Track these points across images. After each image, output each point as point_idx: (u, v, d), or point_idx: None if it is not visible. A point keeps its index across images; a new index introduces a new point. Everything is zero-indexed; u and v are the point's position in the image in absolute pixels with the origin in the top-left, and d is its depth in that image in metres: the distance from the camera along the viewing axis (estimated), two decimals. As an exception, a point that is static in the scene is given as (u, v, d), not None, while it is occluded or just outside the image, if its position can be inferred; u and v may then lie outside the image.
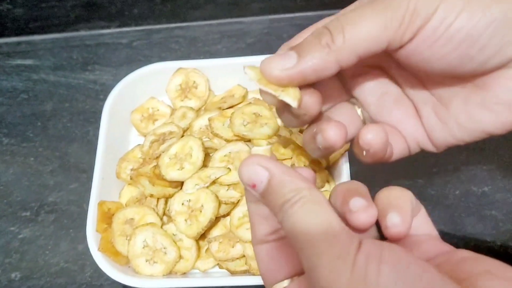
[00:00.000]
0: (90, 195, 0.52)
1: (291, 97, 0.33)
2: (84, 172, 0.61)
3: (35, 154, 0.63)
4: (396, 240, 0.30)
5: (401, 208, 0.30)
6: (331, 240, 0.25)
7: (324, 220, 0.26)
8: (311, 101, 0.35)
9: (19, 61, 0.71)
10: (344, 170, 0.51)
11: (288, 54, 0.33)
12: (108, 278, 0.53)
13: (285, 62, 0.32)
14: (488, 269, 0.26)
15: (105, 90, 0.66)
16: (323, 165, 0.52)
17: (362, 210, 0.29)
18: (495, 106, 0.35)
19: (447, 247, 0.30)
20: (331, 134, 0.35)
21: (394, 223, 0.29)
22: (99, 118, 0.58)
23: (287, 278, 0.31)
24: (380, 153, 0.37)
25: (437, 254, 0.29)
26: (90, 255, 0.50)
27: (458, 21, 0.31)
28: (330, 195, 0.32)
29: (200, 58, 0.66)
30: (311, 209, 0.27)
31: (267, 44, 0.69)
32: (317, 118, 0.37)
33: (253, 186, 0.29)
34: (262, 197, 0.29)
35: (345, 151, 0.52)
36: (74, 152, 0.63)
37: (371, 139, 0.35)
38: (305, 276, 0.29)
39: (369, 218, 0.29)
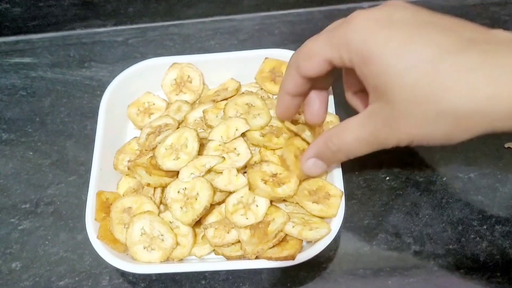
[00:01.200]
0: (88, 186, 0.53)
1: None
2: (82, 165, 0.61)
3: (34, 148, 0.64)
4: None
5: None
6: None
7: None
8: None
9: (17, 59, 0.72)
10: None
11: (318, 166, 0.49)
12: (106, 266, 0.55)
13: (321, 170, 0.49)
14: None
15: (102, 86, 0.66)
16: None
17: None
18: None
19: None
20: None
21: None
22: (96, 113, 0.58)
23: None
24: None
25: None
26: (89, 245, 0.51)
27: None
28: None
29: (194, 54, 0.67)
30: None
31: (259, 41, 0.70)
32: None
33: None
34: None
35: None
36: (72, 146, 0.63)
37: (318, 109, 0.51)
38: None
39: None
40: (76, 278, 0.54)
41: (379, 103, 0.39)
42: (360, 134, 0.42)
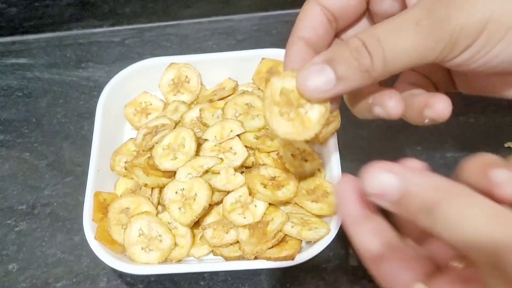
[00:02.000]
0: (85, 187, 0.53)
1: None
2: (78, 166, 0.61)
3: (30, 149, 0.63)
4: None
5: None
6: (507, 228, 0.23)
7: (489, 210, 0.24)
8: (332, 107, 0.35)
9: (13, 60, 0.71)
10: (333, 148, 0.52)
11: (325, 73, 0.32)
12: (104, 268, 0.54)
13: (323, 83, 0.32)
14: None
15: (99, 87, 0.66)
16: (316, 155, 0.54)
17: (509, 181, 0.26)
18: None
19: None
20: (391, 105, 0.34)
21: None
22: (93, 113, 0.58)
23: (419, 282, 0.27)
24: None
25: None
26: (86, 246, 0.50)
27: (494, 51, 0.31)
28: (459, 172, 0.28)
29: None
30: (467, 205, 0.24)
31: (256, 41, 0.69)
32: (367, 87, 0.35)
33: (381, 196, 0.27)
34: (396, 204, 0.26)
35: (335, 131, 0.53)
36: (68, 146, 0.63)
37: (443, 108, 0.33)
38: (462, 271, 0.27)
39: None
40: (74, 280, 0.54)
41: None
42: (404, 16, 0.31)
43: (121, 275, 0.53)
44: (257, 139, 0.53)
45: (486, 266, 0.24)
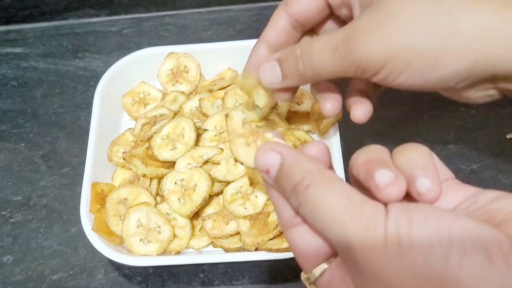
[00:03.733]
0: (82, 178, 0.52)
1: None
2: (75, 157, 0.60)
3: (25, 139, 0.62)
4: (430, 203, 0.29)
5: (428, 169, 0.28)
6: (356, 213, 0.25)
7: (342, 196, 0.26)
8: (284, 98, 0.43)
9: (8, 49, 0.70)
10: (335, 140, 0.52)
11: (275, 70, 0.40)
12: (102, 260, 0.53)
13: (274, 79, 0.40)
14: None
15: (96, 77, 0.65)
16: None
17: (391, 185, 0.27)
18: None
19: (471, 190, 0.28)
20: (327, 107, 0.42)
21: (426, 188, 0.27)
22: (90, 104, 0.57)
23: (325, 261, 0.29)
24: None
25: (462, 199, 0.28)
26: (83, 238, 0.50)
27: (398, 79, 0.35)
28: (350, 166, 0.30)
29: (191, 43, 0.66)
30: (326, 188, 0.27)
31: (256, 31, 0.68)
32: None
33: (267, 172, 0.30)
34: (276, 182, 0.29)
35: (337, 121, 0.52)
36: (65, 137, 0.62)
37: (358, 115, 0.43)
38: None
39: (399, 192, 0.27)
40: (70, 272, 0.53)
41: (365, 11, 0.36)
42: (331, 38, 0.36)
43: (119, 267, 0.52)
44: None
45: (338, 247, 0.26)
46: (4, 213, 0.57)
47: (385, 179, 0.27)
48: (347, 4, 0.40)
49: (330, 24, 0.44)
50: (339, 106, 0.43)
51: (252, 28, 0.69)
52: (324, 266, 0.29)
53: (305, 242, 0.29)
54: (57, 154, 0.61)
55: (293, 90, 0.43)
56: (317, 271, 0.29)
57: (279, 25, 0.42)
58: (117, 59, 0.60)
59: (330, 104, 0.42)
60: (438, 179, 0.28)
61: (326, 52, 0.36)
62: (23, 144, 0.62)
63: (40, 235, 0.56)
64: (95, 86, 0.58)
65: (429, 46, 0.33)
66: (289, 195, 0.28)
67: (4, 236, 0.56)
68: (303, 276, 0.30)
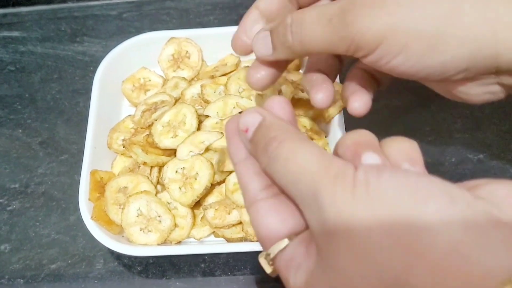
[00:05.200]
0: (80, 166, 0.51)
1: None
2: (74, 144, 0.59)
3: (23, 126, 0.61)
4: None
5: (415, 161, 0.28)
6: (327, 165, 0.26)
7: (314, 150, 0.27)
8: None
9: (5, 33, 0.68)
10: (340, 128, 0.51)
11: (266, 41, 0.37)
12: (101, 249, 0.52)
13: (265, 50, 0.38)
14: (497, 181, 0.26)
15: (95, 62, 0.64)
16: (322, 133, 0.52)
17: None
18: None
19: None
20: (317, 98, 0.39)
21: None
22: (89, 89, 0.56)
23: (286, 237, 0.28)
24: None
25: None
26: (82, 226, 0.49)
27: (394, 61, 0.33)
28: (336, 145, 0.30)
29: (193, 28, 0.64)
30: (299, 143, 0.27)
31: (259, 16, 0.67)
32: None
33: (246, 131, 0.30)
34: (251, 141, 0.30)
35: (341, 109, 0.51)
36: (63, 123, 0.61)
37: (357, 107, 0.40)
38: (307, 232, 0.28)
39: None
40: (69, 261, 0.52)
41: None
42: (325, 9, 0.34)
43: (118, 256, 0.52)
44: None
45: (304, 202, 0.26)
46: (1, 200, 0.56)
47: (371, 161, 0.27)
48: None
49: (325, 3, 0.41)
50: (330, 96, 0.40)
51: None
52: (286, 241, 0.28)
53: (268, 217, 0.29)
54: (56, 141, 0.60)
55: (274, 75, 0.41)
56: (277, 246, 0.28)
57: None
58: (117, 44, 0.58)
59: (322, 94, 0.39)
60: (424, 172, 0.28)
61: (318, 23, 0.34)
62: (20, 131, 0.61)
63: (38, 224, 0.55)
64: (94, 72, 0.57)
65: (430, 27, 0.31)
66: (260, 152, 0.29)
67: (1, 224, 0.55)
68: (261, 256, 0.30)
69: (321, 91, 0.39)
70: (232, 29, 0.58)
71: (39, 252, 0.53)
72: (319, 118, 0.53)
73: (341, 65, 0.43)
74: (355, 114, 0.40)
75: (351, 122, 0.55)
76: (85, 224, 0.48)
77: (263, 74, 0.40)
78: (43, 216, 0.55)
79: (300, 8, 0.41)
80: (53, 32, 0.68)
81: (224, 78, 0.54)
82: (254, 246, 0.46)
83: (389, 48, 0.32)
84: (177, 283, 0.50)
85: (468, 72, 0.33)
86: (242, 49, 0.42)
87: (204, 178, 0.48)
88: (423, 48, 0.32)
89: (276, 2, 0.40)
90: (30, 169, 0.58)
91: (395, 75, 0.35)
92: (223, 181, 0.49)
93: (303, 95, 0.55)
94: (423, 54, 0.32)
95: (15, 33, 0.68)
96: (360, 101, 0.40)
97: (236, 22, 0.66)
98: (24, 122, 0.61)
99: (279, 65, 0.40)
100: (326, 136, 0.52)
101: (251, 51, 0.41)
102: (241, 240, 0.48)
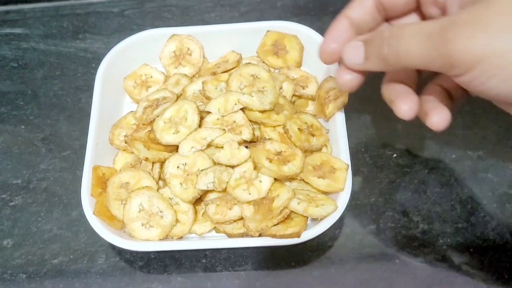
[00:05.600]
0: (82, 162, 0.51)
1: None
2: (76, 140, 0.59)
3: (25, 122, 0.61)
4: None
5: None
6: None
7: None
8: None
9: (8, 30, 0.69)
10: (341, 125, 0.51)
11: (359, 50, 0.40)
12: (103, 244, 0.52)
13: (356, 58, 0.40)
14: None
15: (97, 58, 0.64)
16: (323, 130, 0.52)
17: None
18: None
19: None
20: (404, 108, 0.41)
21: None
22: (91, 86, 0.56)
23: None
24: None
25: None
26: (84, 222, 0.49)
27: (488, 83, 0.34)
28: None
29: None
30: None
31: (260, 13, 0.67)
32: None
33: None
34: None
35: (343, 106, 0.51)
36: (65, 120, 0.61)
37: (437, 121, 0.41)
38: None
39: None
40: (71, 256, 0.52)
41: (467, 7, 0.35)
42: (425, 26, 0.36)
43: (120, 252, 0.52)
44: (262, 113, 0.51)
45: None
46: (3, 196, 0.56)
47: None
48: (440, 5, 0.40)
49: (412, 19, 0.44)
50: (415, 108, 0.41)
51: (257, 11, 0.67)
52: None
53: None
54: (58, 137, 0.60)
55: (357, 81, 0.43)
56: None
57: (365, 4, 0.42)
58: (119, 41, 0.59)
59: (407, 105, 0.40)
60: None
61: (417, 38, 0.35)
62: (23, 127, 0.61)
63: (40, 219, 0.55)
64: (96, 68, 0.57)
65: None
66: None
67: (3, 220, 0.55)
68: None
69: (407, 103, 0.41)
70: (233, 26, 0.59)
71: (41, 247, 0.53)
72: (320, 115, 0.53)
73: (419, 78, 0.44)
74: (435, 128, 0.41)
75: (352, 120, 0.55)
76: (87, 220, 0.48)
77: (352, 76, 0.42)
78: (45, 211, 0.55)
79: (386, 20, 0.44)
80: (55, 29, 0.68)
81: (226, 75, 0.54)
82: (255, 242, 0.46)
83: (485, 70, 0.33)
84: (179, 278, 0.50)
85: None
86: (329, 57, 0.43)
87: (206, 175, 0.48)
88: None
89: (367, 13, 0.43)
90: (33, 165, 0.58)
91: (486, 98, 0.36)
92: (224, 177, 0.49)
93: (304, 92, 0.55)
94: None
95: (18, 30, 0.69)
96: (440, 116, 0.40)
97: (237, 19, 0.66)
98: (26, 118, 0.61)
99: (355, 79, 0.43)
100: (327, 133, 0.52)
101: (338, 60, 0.43)
102: (242, 235, 0.48)
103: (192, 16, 0.68)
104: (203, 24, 0.65)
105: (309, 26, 0.57)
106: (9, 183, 0.57)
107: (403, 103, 0.41)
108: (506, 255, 0.49)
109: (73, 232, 0.54)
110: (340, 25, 0.43)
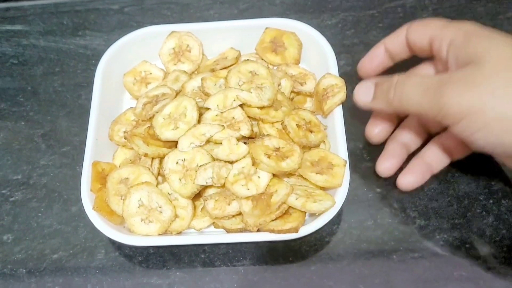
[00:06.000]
0: (82, 158, 0.51)
1: None
2: (76, 136, 0.59)
3: (26, 118, 0.61)
4: None
5: None
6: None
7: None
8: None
9: (8, 27, 0.69)
10: (338, 121, 0.51)
11: (369, 90, 0.48)
12: (102, 239, 0.53)
13: (365, 97, 0.48)
14: None
15: (97, 55, 0.64)
16: (321, 126, 0.52)
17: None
18: None
19: None
20: (382, 167, 0.52)
21: None
22: (91, 83, 0.56)
23: None
24: None
25: None
26: (84, 217, 0.49)
27: (474, 135, 0.39)
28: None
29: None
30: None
31: (259, 10, 0.67)
32: None
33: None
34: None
35: (341, 103, 0.51)
36: (65, 116, 0.61)
37: (401, 183, 0.51)
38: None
39: None
40: (71, 251, 0.52)
41: (463, 67, 0.41)
42: (425, 79, 0.42)
43: (120, 247, 0.52)
44: (260, 109, 0.51)
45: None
46: (4, 191, 0.57)
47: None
48: (443, 62, 0.46)
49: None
50: (395, 169, 0.51)
51: (256, 7, 0.67)
52: None
53: None
54: (58, 133, 0.60)
55: (387, 131, 0.53)
56: None
57: (399, 37, 0.50)
58: (118, 38, 0.59)
59: (389, 163, 0.51)
60: None
61: (417, 88, 0.42)
62: (23, 123, 0.61)
63: (40, 214, 0.55)
64: (95, 65, 0.57)
65: (510, 113, 0.37)
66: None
67: (4, 215, 0.55)
68: None
69: (389, 161, 0.51)
70: (232, 23, 0.59)
71: (41, 242, 0.53)
72: (319, 111, 0.53)
73: (428, 139, 0.52)
74: (401, 188, 0.51)
75: (350, 116, 0.55)
76: (86, 215, 0.48)
77: (379, 129, 0.52)
78: (45, 207, 0.55)
79: (412, 53, 0.50)
80: (55, 26, 0.68)
81: (225, 72, 0.54)
82: (253, 237, 0.47)
83: (471, 123, 0.38)
84: (178, 273, 0.51)
85: None
86: (365, 72, 0.53)
87: (204, 171, 0.48)
88: (501, 129, 0.38)
89: (399, 45, 0.50)
90: (33, 160, 0.58)
91: (474, 149, 0.41)
92: (223, 172, 0.50)
93: (303, 89, 0.55)
94: (500, 134, 0.38)
95: (18, 27, 0.69)
96: (405, 178, 0.51)
97: (236, 16, 0.67)
98: (26, 115, 0.62)
99: (390, 121, 0.52)
100: (325, 129, 0.52)
101: (371, 75, 0.53)
102: (241, 230, 0.48)
103: (191, 13, 0.68)
104: (202, 21, 0.65)
105: (307, 23, 0.57)
106: (9, 179, 0.57)
107: (385, 162, 0.51)
108: (502, 251, 0.49)
109: (72, 227, 0.54)
110: (378, 50, 0.52)
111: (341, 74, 0.54)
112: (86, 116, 0.54)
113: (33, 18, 0.69)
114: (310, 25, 0.57)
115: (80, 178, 0.50)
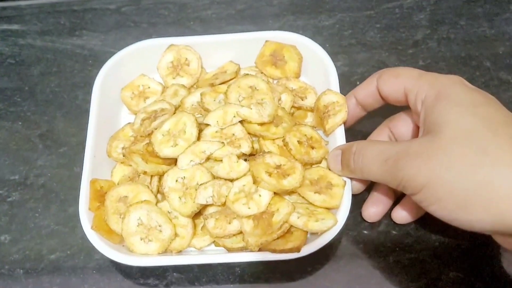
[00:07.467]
0: (80, 158, 0.48)
1: None
2: (73, 136, 0.54)
3: (23, 118, 0.57)
4: None
5: None
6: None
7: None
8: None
9: (5, 26, 0.63)
10: (340, 137, 0.49)
11: (337, 160, 0.47)
12: (100, 240, 0.52)
13: (336, 165, 0.47)
14: None
15: (94, 55, 0.59)
16: (322, 142, 0.49)
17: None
18: None
19: None
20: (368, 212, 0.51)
21: None
22: (88, 83, 0.53)
23: None
24: None
25: None
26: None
27: (431, 207, 0.38)
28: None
29: (190, 24, 0.60)
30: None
31: (257, 11, 0.62)
32: None
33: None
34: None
35: (343, 122, 0.48)
36: (62, 116, 0.56)
37: (368, 214, 0.51)
38: None
39: None
40: (68, 252, 0.50)
41: (423, 137, 0.40)
42: (384, 150, 0.41)
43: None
44: (261, 125, 0.47)
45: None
46: (1, 192, 0.53)
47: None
48: (417, 115, 0.43)
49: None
50: (381, 214, 0.50)
51: (253, 8, 0.63)
52: None
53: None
54: (55, 134, 0.56)
55: (383, 210, 0.51)
56: None
57: (370, 88, 0.47)
58: (115, 38, 0.56)
59: (375, 209, 0.50)
60: None
61: (376, 160, 0.41)
62: (20, 123, 0.57)
63: (37, 215, 0.51)
64: (93, 65, 0.54)
65: (462, 189, 0.35)
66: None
67: (1, 215, 0.51)
68: None
69: (375, 207, 0.50)
70: (231, 36, 0.55)
71: (39, 242, 0.50)
72: (320, 127, 0.49)
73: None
74: (367, 219, 0.51)
75: (350, 133, 0.54)
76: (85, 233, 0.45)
77: (375, 209, 0.49)
78: (43, 207, 0.52)
79: (386, 103, 0.48)
80: (52, 26, 0.63)
81: (224, 86, 0.50)
82: (254, 256, 0.43)
83: (427, 196, 0.38)
84: (174, 273, 0.47)
85: (494, 233, 0.38)
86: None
87: (205, 190, 0.43)
88: (453, 205, 0.36)
89: (371, 95, 0.48)
90: (30, 161, 0.54)
91: (438, 217, 0.39)
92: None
93: (303, 103, 0.51)
94: (453, 210, 0.36)
95: (15, 26, 0.64)
96: (370, 209, 0.51)
97: (233, 16, 0.64)
98: (23, 115, 0.57)
99: (386, 202, 0.50)
100: (326, 144, 0.49)
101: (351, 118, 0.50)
102: (242, 249, 0.44)
103: (188, 13, 0.62)
104: (200, 21, 0.62)
105: (305, 23, 0.56)
106: (6, 179, 0.54)
107: (371, 207, 0.50)
108: (498, 252, 0.47)
109: (70, 228, 0.50)
110: (348, 102, 0.49)
111: (339, 75, 0.50)
112: (83, 116, 0.50)
113: (30, 17, 0.64)
114: (308, 25, 0.56)
115: (77, 178, 0.47)
